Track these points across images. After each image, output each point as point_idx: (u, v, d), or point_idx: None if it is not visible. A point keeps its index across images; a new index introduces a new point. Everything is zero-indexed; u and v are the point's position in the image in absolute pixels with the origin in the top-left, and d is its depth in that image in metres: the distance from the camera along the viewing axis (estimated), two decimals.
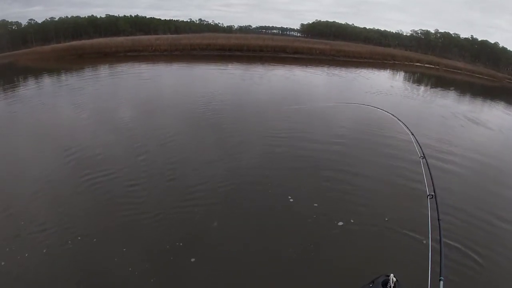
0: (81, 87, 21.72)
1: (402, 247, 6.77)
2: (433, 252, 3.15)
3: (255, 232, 7.22)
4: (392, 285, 3.27)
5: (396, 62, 53.90)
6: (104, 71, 30.14)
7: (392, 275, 3.31)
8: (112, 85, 23.27)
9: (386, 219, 7.79)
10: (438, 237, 3.24)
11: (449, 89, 34.25)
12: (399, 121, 7.12)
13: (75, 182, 9.15)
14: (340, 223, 7.53)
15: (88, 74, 28.35)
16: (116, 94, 20.28)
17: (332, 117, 16.14)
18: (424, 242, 6.49)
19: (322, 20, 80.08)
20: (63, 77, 27.29)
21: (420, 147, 5.30)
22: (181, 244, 6.66)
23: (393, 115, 7.65)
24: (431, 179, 4.28)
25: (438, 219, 3.49)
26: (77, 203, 8.03)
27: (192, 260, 6.27)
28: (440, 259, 2.91)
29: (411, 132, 6.08)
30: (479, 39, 71.74)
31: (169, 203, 8.16)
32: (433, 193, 3.93)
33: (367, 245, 6.94)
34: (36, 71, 30.80)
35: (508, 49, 68.51)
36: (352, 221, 7.65)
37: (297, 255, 6.63)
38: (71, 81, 24.92)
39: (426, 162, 4.77)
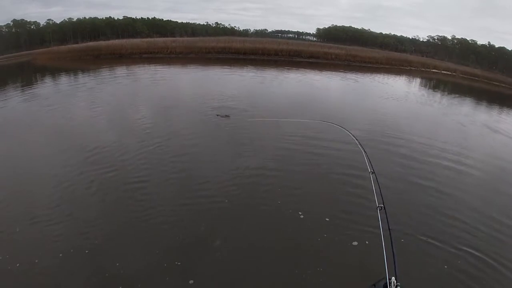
0: (94, 87, 22.22)
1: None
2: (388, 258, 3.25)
3: (260, 246, 6.99)
4: None
5: (413, 68, 53.30)
6: (118, 73, 30.33)
7: (393, 278, 3.25)
8: (125, 86, 23.37)
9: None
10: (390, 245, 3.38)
11: (465, 97, 33.73)
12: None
13: (76, 182, 9.18)
14: (355, 243, 7.20)
15: (102, 75, 28.67)
16: (128, 95, 20.48)
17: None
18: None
19: (338, 25, 79.97)
20: (77, 77, 27.71)
21: (370, 163, 5.38)
22: (179, 263, 6.34)
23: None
24: (380, 192, 4.40)
25: (389, 228, 3.63)
26: (73, 209, 7.93)
27: (191, 282, 5.97)
28: (394, 265, 3.06)
29: (364, 150, 6.12)
30: (496, 46, 70.85)
31: (172, 210, 8.01)
32: (382, 205, 4.11)
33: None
34: (52, 70, 31.54)
35: None
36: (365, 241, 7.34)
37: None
38: (85, 81, 25.35)
39: (376, 177, 4.92)
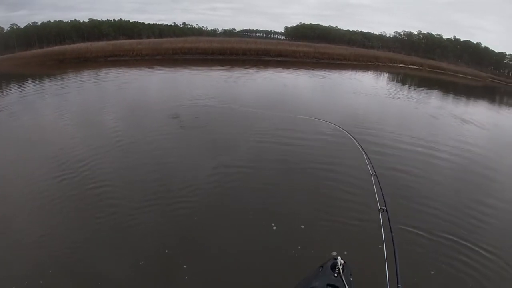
0: (57, 94, 21.52)
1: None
2: (389, 262, 3.23)
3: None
4: (341, 267, 3.53)
5: (380, 63, 54.29)
6: (81, 77, 29.49)
7: (339, 257, 3.59)
8: (88, 91, 22.76)
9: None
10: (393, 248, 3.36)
11: (433, 89, 34.92)
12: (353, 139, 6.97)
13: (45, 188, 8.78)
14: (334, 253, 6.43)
15: (65, 80, 27.82)
16: (92, 101, 19.92)
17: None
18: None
19: (306, 23, 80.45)
20: (41, 83, 26.90)
21: (372, 164, 5.23)
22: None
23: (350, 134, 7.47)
24: (382, 194, 4.34)
25: (391, 231, 3.63)
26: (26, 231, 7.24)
27: None
28: (396, 268, 3.02)
29: (364, 151, 5.95)
30: (462, 40, 72.66)
31: (133, 225, 7.34)
32: (385, 207, 4.06)
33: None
34: (16, 77, 30.40)
35: (490, 48, 69.65)
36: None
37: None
38: (49, 87, 24.68)
39: (377, 179, 4.78)
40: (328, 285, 3.44)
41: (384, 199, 4.21)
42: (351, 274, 3.70)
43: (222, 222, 7.58)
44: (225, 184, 9.45)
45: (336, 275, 3.53)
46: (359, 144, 6.52)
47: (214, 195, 8.80)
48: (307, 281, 3.69)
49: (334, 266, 3.61)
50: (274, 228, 7.37)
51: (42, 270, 6.02)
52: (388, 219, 3.80)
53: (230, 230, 7.32)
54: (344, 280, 3.45)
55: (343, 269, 3.56)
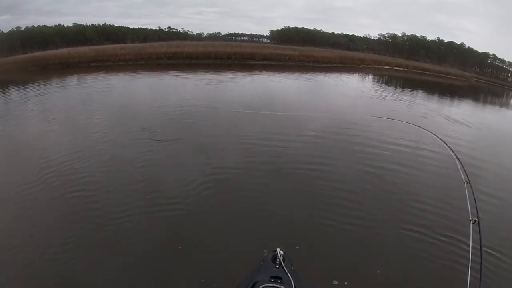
0: (37, 101, 21.07)
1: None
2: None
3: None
4: (281, 258, 3.53)
5: (365, 66, 54.71)
6: (62, 84, 29.10)
7: (278, 249, 3.60)
8: (68, 98, 22.39)
9: None
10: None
11: (419, 90, 35.66)
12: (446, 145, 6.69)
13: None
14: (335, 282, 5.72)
15: (46, 87, 27.31)
16: (71, 107, 19.50)
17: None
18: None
19: (291, 26, 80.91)
20: (25, 89, 26.46)
21: (465, 171, 4.94)
22: None
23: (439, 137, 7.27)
24: (475, 202, 4.11)
25: (480, 245, 3.41)
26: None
27: None
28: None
29: (457, 157, 5.50)
30: (446, 41, 73.67)
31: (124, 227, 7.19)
32: (477, 218, 3.80)
33: None
34: None
35: (473, 49, 70.83)
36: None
37: None
38: (30, 93, 24.18)
39: (471, 187, 4.48)
40: (271, 277, 3.39)
41: (477, 208, 3.96)
42: (292, 264, 3.70)
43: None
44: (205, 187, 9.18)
45: (277, 266, 3.55)
46: (451, 149, 6.21)
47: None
48: (250, 277, 3.58)
49: (274, 258, 3.64)
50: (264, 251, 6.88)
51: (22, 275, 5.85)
52: (480, 233, 3.57)
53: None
54: (286, 270, 3.46)
55: (283, 260, 3.59)
